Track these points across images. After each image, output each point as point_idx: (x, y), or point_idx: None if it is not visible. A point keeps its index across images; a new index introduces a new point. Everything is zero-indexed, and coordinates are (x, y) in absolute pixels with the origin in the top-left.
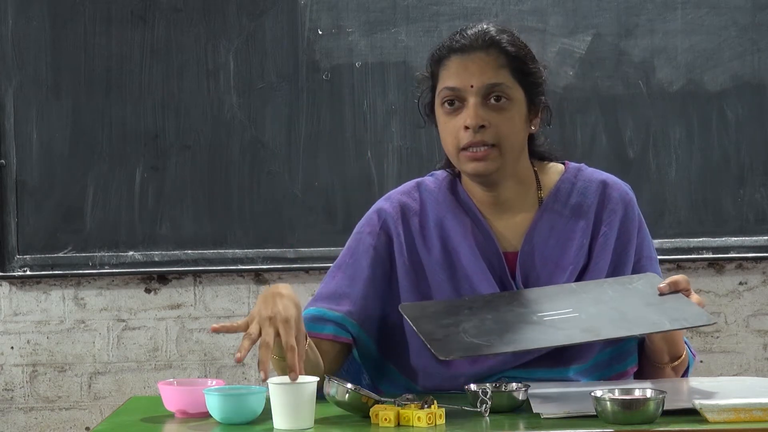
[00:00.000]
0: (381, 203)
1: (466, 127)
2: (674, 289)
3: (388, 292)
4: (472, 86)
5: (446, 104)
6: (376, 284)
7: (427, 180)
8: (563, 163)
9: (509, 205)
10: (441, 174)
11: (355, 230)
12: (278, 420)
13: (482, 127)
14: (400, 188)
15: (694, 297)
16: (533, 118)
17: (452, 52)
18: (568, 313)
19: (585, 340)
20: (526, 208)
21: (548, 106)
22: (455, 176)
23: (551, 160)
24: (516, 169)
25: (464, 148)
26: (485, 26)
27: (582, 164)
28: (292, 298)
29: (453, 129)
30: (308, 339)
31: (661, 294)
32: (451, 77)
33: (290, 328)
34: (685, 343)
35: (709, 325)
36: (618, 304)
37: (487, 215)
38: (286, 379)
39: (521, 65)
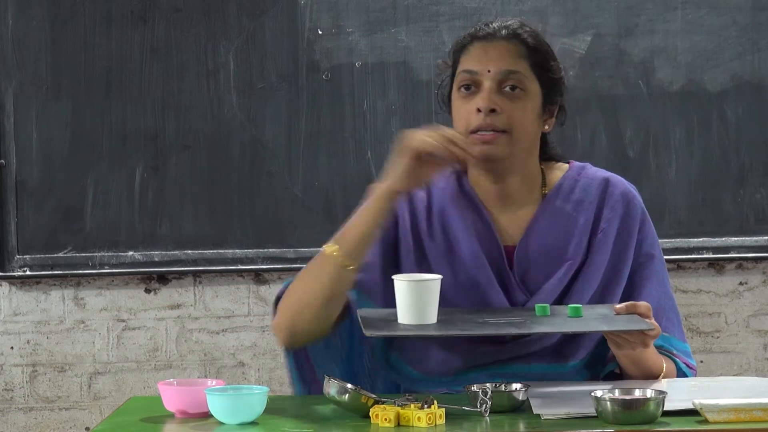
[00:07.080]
0: None
1: (479, 110)
2: (631, 312)
3: (391, 265)
4: (489, 71)
5: (462, 88)
6: (383, 250)
7: None
8: (568, 162)
9: (513, 200)
10: None
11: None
12: (403, 315)
13: (494, 111)
14: None
15: (654, 324)
16: (547, 118)
17: (475, 39)
18: (515, 319)
19: (511, 332)
20: (529, 203)
21: (564, 107)
22: (463, 171)
23: (557, 161)
24: (525, 166)
25: (474, 131)
26: (510, 20)
27: (586, 163)
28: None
29: (465, 112)
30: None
31: (617, 314)
32: (470, 61)
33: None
34: (681, 359)
35: (643, 330)
36: (567, 318)
37: (491, 209)
38: (411, 276)
39: (541, 60)
